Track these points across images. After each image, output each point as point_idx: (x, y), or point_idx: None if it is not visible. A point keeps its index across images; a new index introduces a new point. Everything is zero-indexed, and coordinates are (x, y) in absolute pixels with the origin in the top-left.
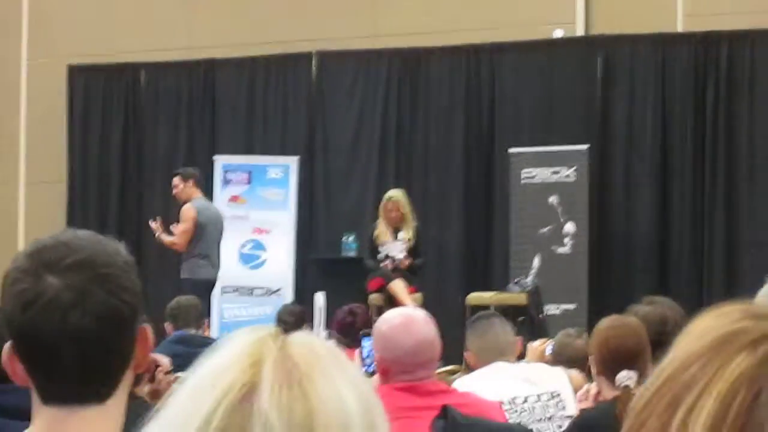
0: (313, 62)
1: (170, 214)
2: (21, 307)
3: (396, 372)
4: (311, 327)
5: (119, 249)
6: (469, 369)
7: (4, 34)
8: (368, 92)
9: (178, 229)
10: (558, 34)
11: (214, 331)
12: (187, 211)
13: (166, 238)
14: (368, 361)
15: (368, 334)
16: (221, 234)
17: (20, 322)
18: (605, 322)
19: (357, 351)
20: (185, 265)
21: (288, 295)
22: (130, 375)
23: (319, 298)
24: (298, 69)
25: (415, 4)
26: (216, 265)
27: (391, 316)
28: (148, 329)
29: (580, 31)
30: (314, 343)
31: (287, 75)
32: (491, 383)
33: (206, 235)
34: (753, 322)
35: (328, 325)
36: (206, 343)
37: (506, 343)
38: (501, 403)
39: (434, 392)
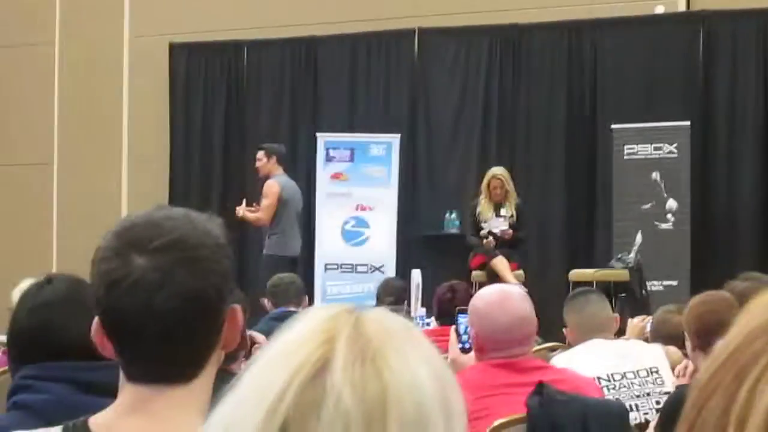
0: (415, 39)
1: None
2: (106, 286)
3: (491, 348)
4: (409, 303)
5: (211, 229)
6: (569, 345)
7: (107, 13)
8: (470, 69)
9: (262, 204)
10: (659, 10)
11: None
12: (272, 187)
13: (250, 215)
14: (464, 337)
15: (464, 311)
16: (300, 210)
17: (106, 301)
18: (698, 298)
19: (453, 327)
20: (270, 241)
21: (391, 272)
22: (217, 355)
23: (417, 275)
24: (400, 46)
25: None
26: (299, 240)
27: (486, 292)
28: (238, 310)
29: (681, 7)
30: (388, 319)
31: (389, 52)
32: (589, 359)
33: (289, 211)
34: None
35: (426, 301)
36: None
37: (604, 319)
38: (598, 378)
39: (530, 369)
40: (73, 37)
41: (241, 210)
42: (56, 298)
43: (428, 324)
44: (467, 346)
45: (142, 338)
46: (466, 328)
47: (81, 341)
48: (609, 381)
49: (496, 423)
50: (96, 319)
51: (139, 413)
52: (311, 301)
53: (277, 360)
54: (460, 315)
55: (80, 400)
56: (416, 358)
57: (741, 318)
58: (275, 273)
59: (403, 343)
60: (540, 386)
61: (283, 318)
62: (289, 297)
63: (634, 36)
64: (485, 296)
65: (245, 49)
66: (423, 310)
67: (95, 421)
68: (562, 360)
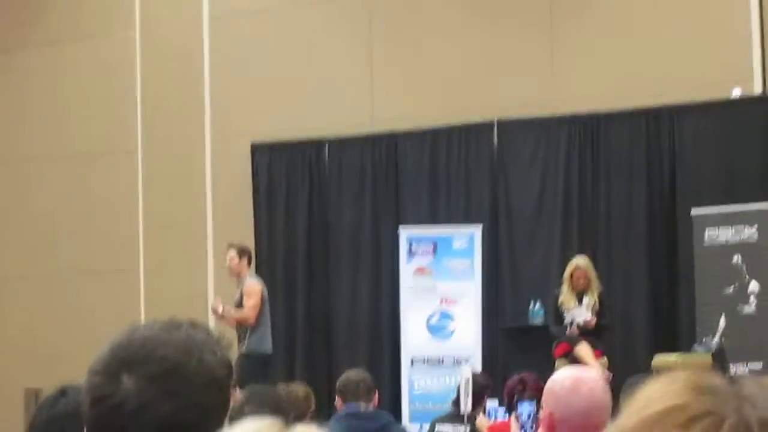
0: (494, 131)
1: (357, 286)
2: (91, 401)
3: (564, 430)
4: (459, 397)
5: (208, 363)
6: None
7: (188, 116)
8: (549, 158)
9: (248, 303)
10: (736, 93)
11: (404, 404)
12: (255, 286)
13: (236, 314)
14: (528, 423)
15: (523, 399)
16: None
17: (90, 414)
18: None
19: (513, 415)
20: (251, 340)
21: (477, 365)
22: None
23: (467, 370)
24: (480, 138)
25: (592, 70)
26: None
27: (561, 375)
28: None
29: (758, 89)
30: None
31: (469, 144)
32: None
33: (265, 310)
34: (693, 397)
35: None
36: (376, 417)
37: None
38: None
39: None
40: (155, 140)
41: (222, 307)
42: (70, 409)
43: (493, 417)
44: None
45: None
46: (530, 414)
47: None
48: None
49: None
50: (84, 428)
51: None
52: (398, 395)
53: None
54: (519, 403)
55: None
56: None
57: (628, 406)
58: (256, 372)
59: None
60: None
61: (352, 416)
62: (359, 394)
63: (712, 119)
64: (561, 380)
65: (326, 146)
66: (496, 402)
67: None
68: None
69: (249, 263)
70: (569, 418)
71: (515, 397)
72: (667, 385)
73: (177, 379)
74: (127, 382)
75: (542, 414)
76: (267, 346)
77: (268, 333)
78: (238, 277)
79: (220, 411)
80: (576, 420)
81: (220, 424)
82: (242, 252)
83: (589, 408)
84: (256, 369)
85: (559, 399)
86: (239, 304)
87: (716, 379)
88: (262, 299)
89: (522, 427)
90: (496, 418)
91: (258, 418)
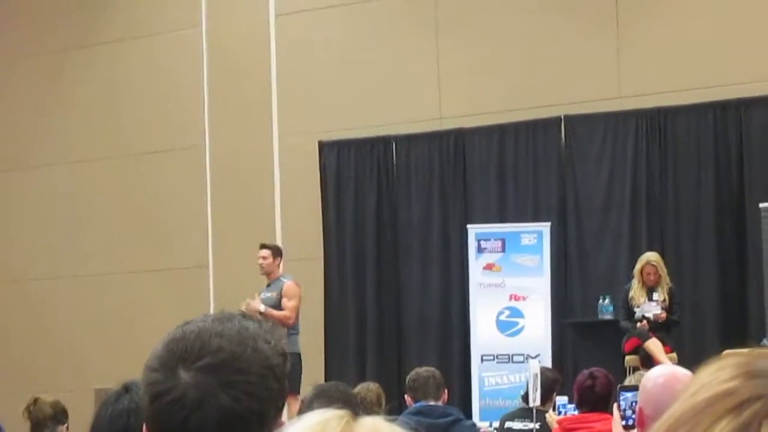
0: (562, 126)
1: (427, 283)
2: (151, 397)
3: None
4: (528, 392)
5: (264, 349)
6: None
7: (256, 114)
8: (617, 153)
9: (289, 304)
10: None
11: (474, 401)
12: (294, 288)
13: (277, 313)
14: (628, 412)
15: (626, 388)
16: None
17: (150, 410)
18: None
19: (615, 405)
20: (290, 340)
21: (547, 361)
22: None
23: (534, 365)
24: (547, 134)
25: (658, 64)
26: None
27: (657, 373)
28: (284, 424)
29: None
30: (380, 426)
31: (536, 140)
32: None
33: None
34: (743, 381)
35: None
36: (447, 413)
37: None
38: None
39: None
40: (222, 138)
41: (261, 305)
42: (133, 405)
43: (563, 413)
44: (630, 422)
45: None
46: (632, 403)
47: None
48: None
49: None
50: (144, 424)
51: None
52: (468, 392)
53: None
54: (621, 392)
55: None
56: None
57: (680, 394)
58: (294, 371)
59: None
60: None
61: (422, 413)
62: (428, 391)
63: None
64: (655, 377)
65: (394, 143)
66: (564, 398)
67: None
68: None
69: (280, 263)
70: (659, 416)
71: (587, 393)
72: (716, 371)
73: (233, 370)
74: (185, 375)
75: (639, 408)
76: (299, 345)
77: (299, 333)
78: (269, 276)
79: (278, 400)
80: None
81: (279, 414)
82: (276, 252)
83: None
84: (294, 368)
85: (650, 396)
86: (276, 304)
87: (766, 363)
88: (299, 299)
89: (623, 417)
90: (565, 413)
91: (326, 410)
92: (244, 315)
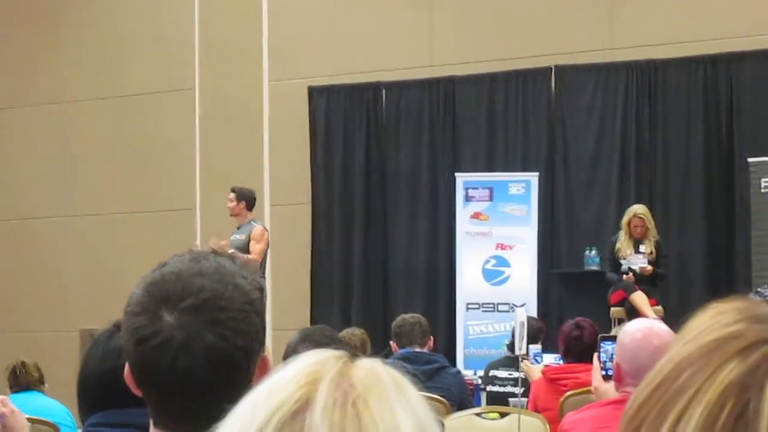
0: (552, 76)
1: (414, 231)
2: (134, 342)
3: (630, 383)
4: (513, 341)
5: (243, 285)
6: None
7: (245, 59)
8: (607, 105)
9: (256, 248)
10: None
11: (459, 349)
12: (263, 232)
13: (242, 255)
14: (608, 364)
15: (607, 338)
16: None
17: (134, 355)
18: None
19: (596, 355)
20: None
21: (532, 310)
22: None
23: (521, 313)
24: (537, 84)
25: (650, 17)
26: None
27: (633, 327)
28: (267, 358)
29: None
30: (378, 368)
31: (526, 90)
32: None
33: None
34: (748, 325)
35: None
36: (432, 360)
37: None
38: None
39: None
40: (212, 82)
41: (227, 246)
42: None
43: (538, 362)
44: (609, 373)
45: (168, 394)
46: (611, 355)
47: None
48: None
49: None
50: (127, 366)
51: None
52: (453, 341)
53: (260, 398)
54: (602, 342)
55: None
56: (401, 408)
57: (674, 343)
58: None
59: (389, 391)
60: None
61: (407, 359)
62: (414, 337)
63: None
64: (632, 331)
65: (383, 90)
66: (538, 347)
67: None
68: None
69: (249, 207)
70: (635, 370)
71: (573, 344)
72: (717, 315)
73: (217, 308)
74: (169, 318)
75: (615, 363)
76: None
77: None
78: (238, 219)
79: (261, 334)
80: (641, 374)
81: (262, 348)
82: (241, 195)
83: (655, 362)
84: None
85: (627, 350)
86: (244, 247)
87: (765, 308)
88: (266, 243)
89: (603, 367)
90: (540, 363)
91: (323, 350)
92: (215, 252)
